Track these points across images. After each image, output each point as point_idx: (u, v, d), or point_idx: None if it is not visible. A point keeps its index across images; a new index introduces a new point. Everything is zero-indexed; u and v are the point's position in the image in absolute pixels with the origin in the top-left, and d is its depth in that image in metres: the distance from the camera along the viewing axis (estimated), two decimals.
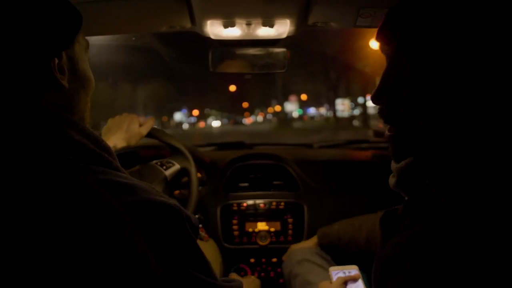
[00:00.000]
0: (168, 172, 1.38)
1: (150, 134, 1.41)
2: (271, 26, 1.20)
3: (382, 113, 0.57)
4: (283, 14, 1.14)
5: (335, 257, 1.38)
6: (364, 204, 1.62)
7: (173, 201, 0.60)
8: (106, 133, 1.32)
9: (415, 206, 0.57)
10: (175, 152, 1.45)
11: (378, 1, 1.05)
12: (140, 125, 1.37)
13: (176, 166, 1.42)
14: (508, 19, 0.46)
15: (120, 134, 1.31)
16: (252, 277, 1.59)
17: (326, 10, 1.13)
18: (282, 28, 1.24)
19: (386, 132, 0.59)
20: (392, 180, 0.59)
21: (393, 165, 0.60)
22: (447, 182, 0.50)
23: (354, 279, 1.16)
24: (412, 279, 0.46)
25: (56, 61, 0.59)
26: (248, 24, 1.20)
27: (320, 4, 1.09)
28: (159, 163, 1.40)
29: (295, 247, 1.49)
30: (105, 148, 0.61)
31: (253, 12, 1.13)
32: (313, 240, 1.46)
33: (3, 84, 0.55)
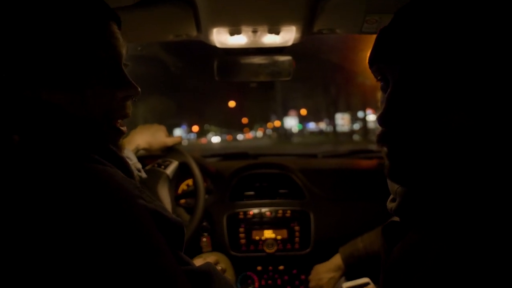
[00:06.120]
0: (168, 170, 1.39)
1: None
2: (277, 33, 1.20)
3: (386, 135, 0.51)
4: (289, 21, 1.15)
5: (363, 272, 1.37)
6: (370, 212, 1.60)
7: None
8: (133, 134, 1.39)
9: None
10: (167, 151, 1.48)
11: (384, 6, 1.06)
12: (167, 137, 1.47)
13: (175, 163, 1.43)
14: None
15: (146, 136, 1.40)
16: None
17: (332, 17, 1.14)
18: (288, 35, 1.24)
19: (385, 149, 0.53)
20: (392, 205, 0.55)
21: (393, 187, 0.56)
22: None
23: None
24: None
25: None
26: (254, 32, 1.21)
27: (326, 10, 1.09)
28: (156, 165, 1.41)
29: (322, 268, 1.48)
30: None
31: (260, 19, 1.13)
32: (337, 260, 1.45)
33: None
